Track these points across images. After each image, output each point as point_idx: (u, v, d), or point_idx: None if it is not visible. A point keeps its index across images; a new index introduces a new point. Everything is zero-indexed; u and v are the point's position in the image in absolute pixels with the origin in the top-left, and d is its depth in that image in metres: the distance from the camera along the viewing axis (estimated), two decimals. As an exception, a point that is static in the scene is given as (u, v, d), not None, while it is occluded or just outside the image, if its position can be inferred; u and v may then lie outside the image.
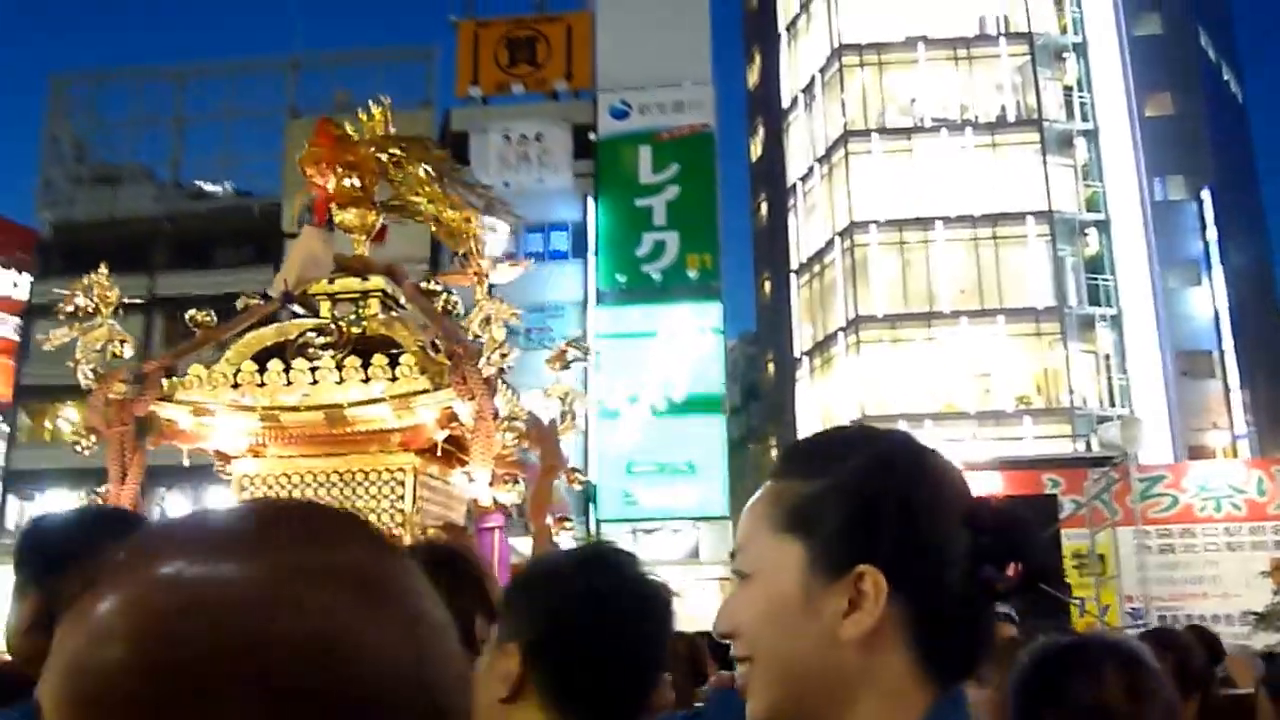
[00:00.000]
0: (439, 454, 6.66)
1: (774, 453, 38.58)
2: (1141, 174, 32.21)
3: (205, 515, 0.62)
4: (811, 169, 35.07)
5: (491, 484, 6.16)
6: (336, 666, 0.54)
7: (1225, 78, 38.93)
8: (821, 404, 33.44)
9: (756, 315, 43.09)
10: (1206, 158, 33.39)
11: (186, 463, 7.17)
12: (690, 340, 31.39)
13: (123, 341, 6.83)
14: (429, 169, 7.04)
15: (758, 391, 42.81)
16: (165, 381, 6.68)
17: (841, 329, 32.31)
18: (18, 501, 32.69)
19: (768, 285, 40.33)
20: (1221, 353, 32.16)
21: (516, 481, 6.85)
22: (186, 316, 7.20)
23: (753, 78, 42.61)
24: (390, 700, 0.56)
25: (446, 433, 6.48)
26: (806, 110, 35.96)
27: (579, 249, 32.68)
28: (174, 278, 31.99)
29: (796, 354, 35.42)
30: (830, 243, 33.32)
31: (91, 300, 6.87)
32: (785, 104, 37.48)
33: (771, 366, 39.93)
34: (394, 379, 6.31)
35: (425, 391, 6.26)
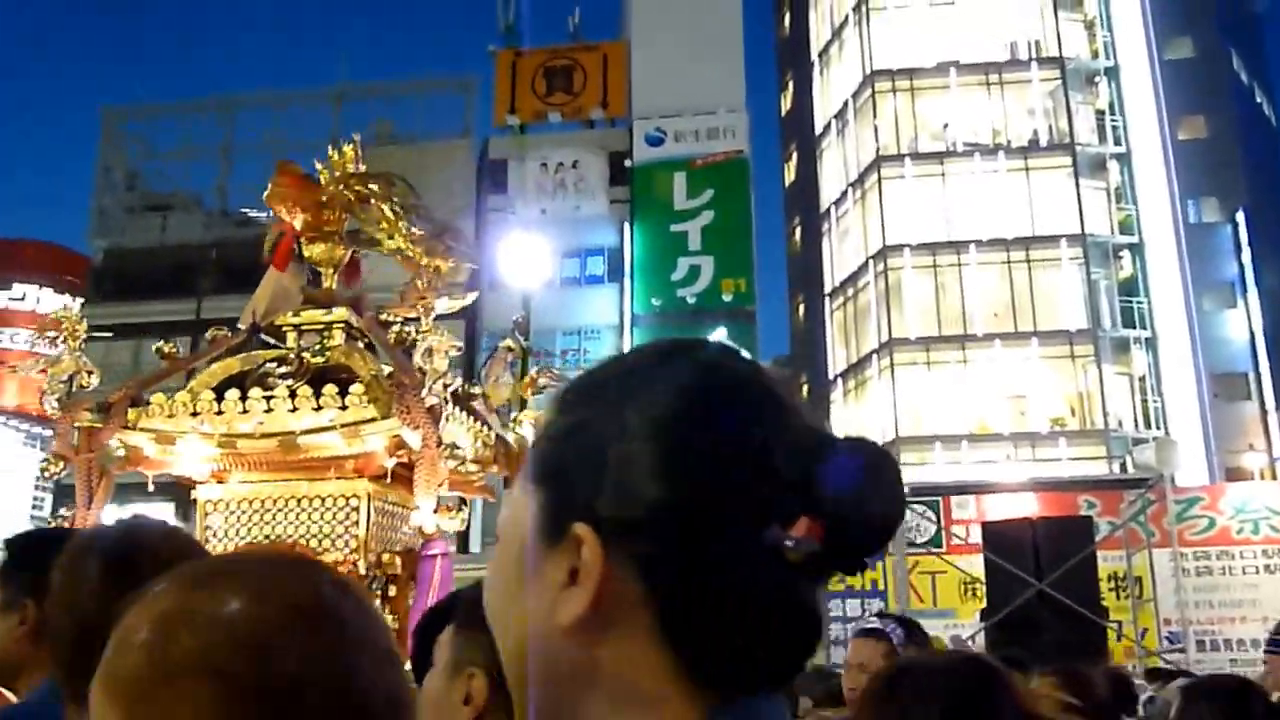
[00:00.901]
0: (393, 480, 6.72)
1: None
2: (1175, 196, 31.86)
3: (214, 561, 0.90)
4: (845, 193, 34.94)
5: (436, 511, 6.21)
6: (268, 665, 0.77)
7: (1258, 100, 38.51)
8: (856, 426, 33.28)
9: (791, 338, 42.95)
10: (1240, 180, 33.00)
11: (150, 488, 7.28)
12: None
13: (90, 373, 6.96)
14: (396, 206, 7.12)
15: (792, 413, 42.69)
16: (131, 410, 6.77)
17: (875, 352, 32.11)
18: (62, 524, 33.07)
19: (802, 308, 40.22)
20: (1257, 375, 31.68)
21: (461, 508, 6.98)
22: (154, 348, 7.32)
23: (786, 103, 42.63)
24: (313, 695, 0.78)
25: (395, 460, 6.52)
26: (839, 135, 35.90)
27: (615, 274, 32.71)
28: (220, 302, 32.29)
29: (831, 376, 35.18)
30: (864, 266, 33.16)
31: (61, 332, 7.03)
32: (818, 129, 37.32)
33: (806, 389, 39.80)
34: (344, 407, 6.37)
35: (373, 420, 6.31)
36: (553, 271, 26.35)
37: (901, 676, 1.63)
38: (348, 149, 7.55)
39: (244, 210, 37.64)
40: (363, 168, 7.59)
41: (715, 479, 0.75)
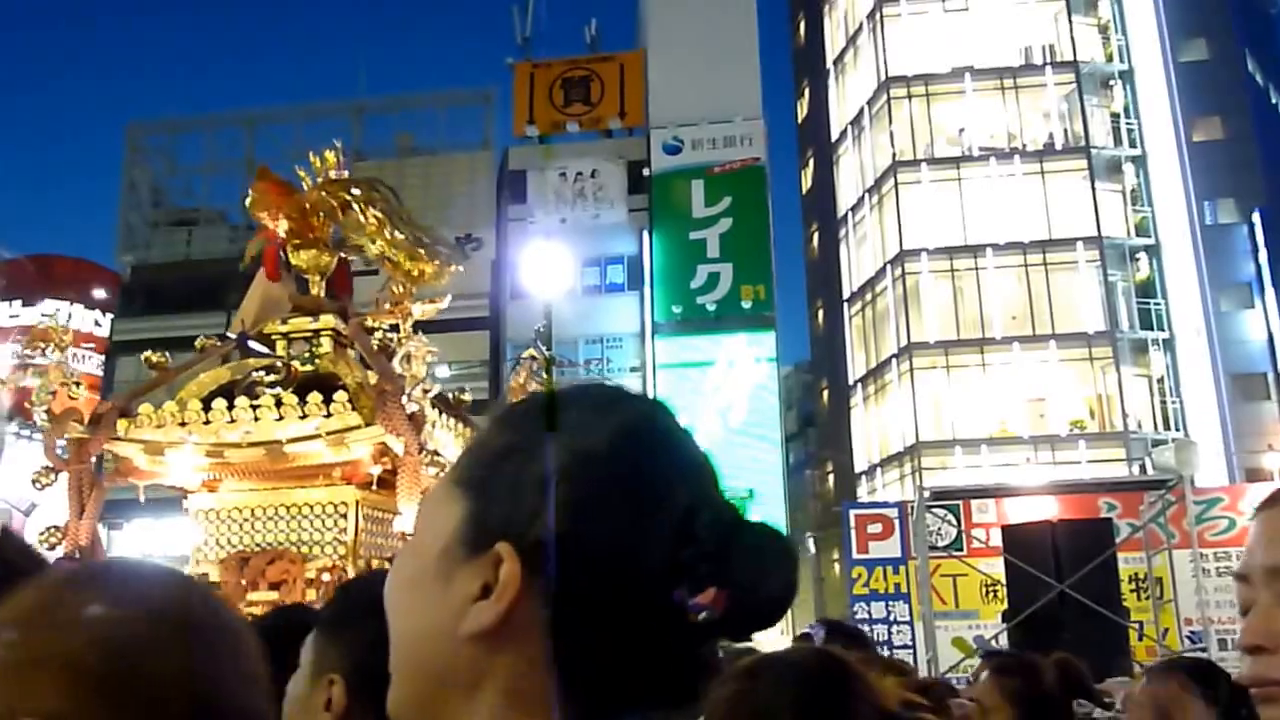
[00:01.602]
0: (380, 486, 6.64)
1: (831, 479, 38.40)
2: (1191, 198, 31.67)
3: (89, 565, 0.97)
4: (861, 199, 34.86)
5: None
6: (123, 665, 0.80)
7: (1274, 100, 38.27)
8: (877, 430, 33.25)
9: (810, 343, 42.89)
10: (1257, 180, 32.75)
11: (142, 499, 7.19)
12: (746, 369, 31.38)
13: (77, 383, 6.86)
14: (379, 213, 6.98)
15: (813, 418, 42.57)
16: (120, 421, 6.70)
17: (894, 356, 31.97)
18: (105, 530, 33.43)
19: (821, 314, 40.17)
20: (1276, 374, 31.36)
21: None
22: (143, 358, 7.24)
23: (802, 111, 42.61)
24: (162, 697, 0.81)
25: (381, 467, 6.48)
26: (855, 142, 35.84)
27: (635, 282, 32.77)
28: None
29: (850, 381, 35.06)
30: (881, 271, 33.07)
31: (48, 342, 6.90)
32: (834, 136, 37.21)
33: (826, 394, 39.73)
34: (329, 415, 6.29)
35: (358, 427, 6.25)
36: (574, 280, 26.44)
37: (760, 668, 1.68)
38: (329, 155, 7.48)
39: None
40: (345, 174, 7.53)
41: (636, 530, 0.79)
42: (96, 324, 35.39)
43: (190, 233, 36.71)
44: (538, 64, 35.52)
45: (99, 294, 35.26)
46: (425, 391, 6.39)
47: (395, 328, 7.18)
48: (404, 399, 6.22)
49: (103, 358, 34.32)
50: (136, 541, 31.35)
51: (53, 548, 6.62)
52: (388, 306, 7.12)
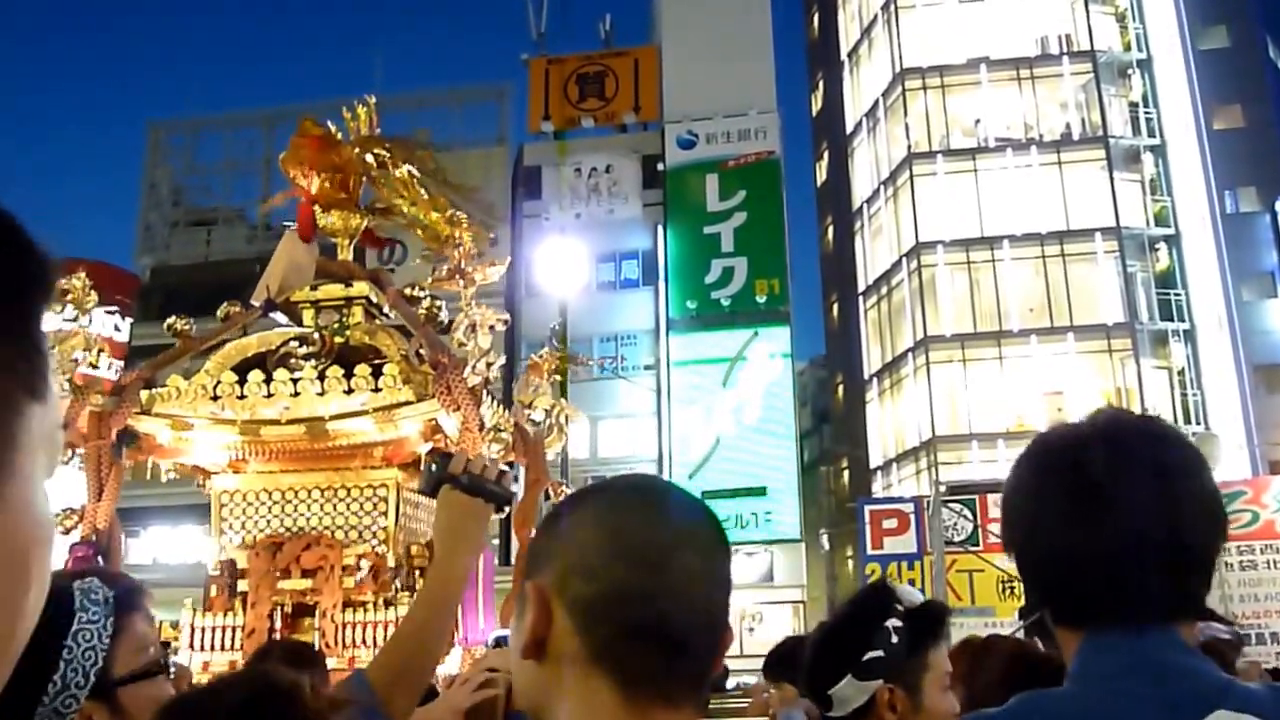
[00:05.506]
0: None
1: (846, 474, 38.12)
2: (1211, 187, 31.23)
3: None
4: (877, 192, 34.60)
5: None
6: None
7: (1296, 88, 37.78)
8: (892, 425, 32.97)
9: (825, 338, 42.62)
10: (1279, 168, 32.40)
11: (165, 479, 6.82)
12: (761, 364, 31.21)
13: (100, 350, 6.50)
14: (413, 171, 6.63)
15: (829, 414, 42.30)
16: (144, 394, 6.29)
17: (910, 350, 31.73)
18: (123, 538, 33.52)
19: (836, 308, 39.89)
20: (1300, 365, 31.05)
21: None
22: (165, 325, 6.82)
23: (816, 104, 42.32)
24: None
25: (430, 445, 6.12)
26: (870, 134, 35.57)
27: (649, 277, 32.66)
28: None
29: (866, 375, 34.83)
30: (897, 264, 32.81)
31: (68, 304, 6.42)
32: (849, 128, 36.98)
33: (841, 389, 39.46)
34: (377, 390, 5.93)
35: (409, 403, 5.88)
36: (588, 276, 26.28)
37: (194, 695, 1.71)
38: (361, 110, 7.20)
39: (286, 224, 37.81)
40: (378, 131, 7.22)
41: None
42: (116, 328, 35.37)
43: (209, 233, 36.74)
44: (552, 60, 35.42)
45: (118, 297, 35.23)
46: (489, 364, 6.02)
47: (435, 297, 6.78)
48: (468, 371, 5.85)
49: (122, 363, 34.28)
50: (153, 549, 31.40)
51: (68, 532, 6.30)
52: (445, 270, 6.69)
